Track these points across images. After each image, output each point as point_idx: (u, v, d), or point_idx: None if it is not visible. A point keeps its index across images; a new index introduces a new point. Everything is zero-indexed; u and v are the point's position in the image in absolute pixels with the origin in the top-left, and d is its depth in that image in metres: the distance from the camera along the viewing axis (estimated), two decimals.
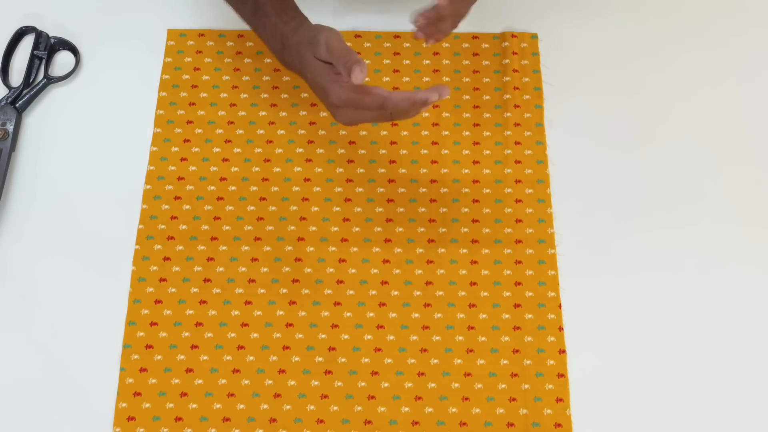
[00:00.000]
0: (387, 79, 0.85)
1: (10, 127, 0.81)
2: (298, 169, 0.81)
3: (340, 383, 0.72)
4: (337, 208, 0.79)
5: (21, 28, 0.86)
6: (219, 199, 0.80)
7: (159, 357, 0.73)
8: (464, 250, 0.78)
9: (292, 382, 0.72)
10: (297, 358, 0.73)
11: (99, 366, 0.73)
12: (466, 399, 0.72)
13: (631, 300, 0.76)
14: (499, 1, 0.89)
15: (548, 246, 0.78)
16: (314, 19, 0.73)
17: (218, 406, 0.72)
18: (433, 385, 0.72)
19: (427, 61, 0.86)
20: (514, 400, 0.72)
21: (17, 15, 0.87)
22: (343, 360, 0.73)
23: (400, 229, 0.79)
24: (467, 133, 0.83)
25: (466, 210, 0.79)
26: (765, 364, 0.73)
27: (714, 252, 0.78)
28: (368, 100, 0.66)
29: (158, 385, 0.72)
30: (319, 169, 0.81)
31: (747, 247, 0.78)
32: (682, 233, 0.78)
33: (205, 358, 0.73)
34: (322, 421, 0.71)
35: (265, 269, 0.77)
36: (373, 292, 0.76)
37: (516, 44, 0.87)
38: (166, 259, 0.77)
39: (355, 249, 0.78)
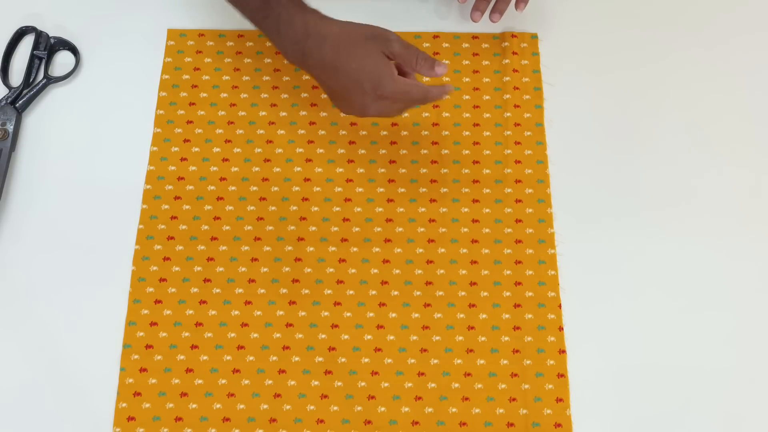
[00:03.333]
0: None
1: (10, 127, 0.81)
2: (298, 169, 0.81)
3: (340, 383, 0.72)
4: (337, 208, 0.79)
5: (21, 28, 0.86)
6: (219, 199, 0.79)
7: (159, 357, 0.73)
8: (464, 250, 0.78)
9: (292, 382, 0.72)
10: (297, 358, 0.73)
11: (99, 366, 0.73)
12: (466, 399, 0.72)
13: (631, 300, 0.76)
14: None
15: (548, 246, 0.78)
16: None
17: (218, 406, 0.72)
18: (433, 385, 0.72)
19: None
20: (514, 400, 0.72)
21: (17, 15, 0.87)
22: (343, 360, 0.73)
23: (400, 229, 0.79)
24: (467, 133, 0.83)
25: (466, 210, 0.79)
26: (766, 364, 0.73)
27: (714, 252, 0.78)
28: (416, 92, 0.70)
29: (158, 385, 0.72)
30: (319, 169, 0.81)
31: (747, 247, 0.78)
32: (682, 233, 0.78)
33: (205, 358, 0.73)
34: (322, 421, 0.71)
35: (265, 269, 0.77)
36: (373, 292, 0.76)
37: (516, 44, 0.87)
38: (166, 259, 0.77)
39: (355, 249, 0.78)
